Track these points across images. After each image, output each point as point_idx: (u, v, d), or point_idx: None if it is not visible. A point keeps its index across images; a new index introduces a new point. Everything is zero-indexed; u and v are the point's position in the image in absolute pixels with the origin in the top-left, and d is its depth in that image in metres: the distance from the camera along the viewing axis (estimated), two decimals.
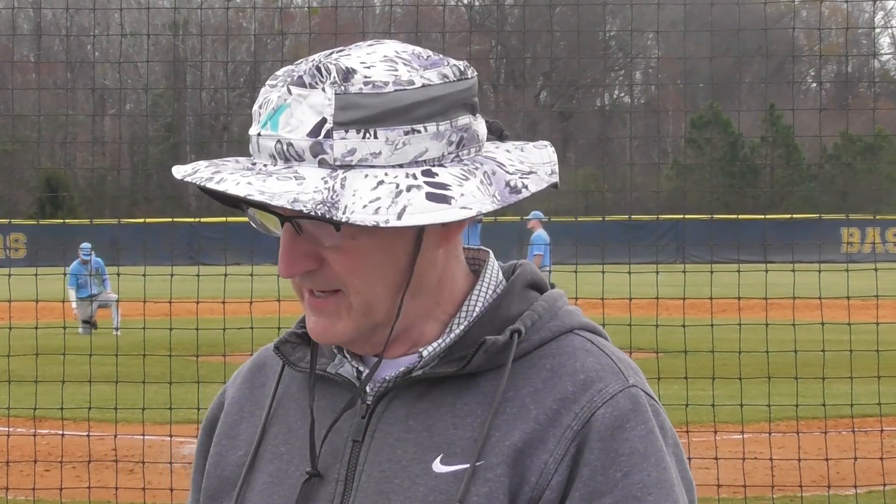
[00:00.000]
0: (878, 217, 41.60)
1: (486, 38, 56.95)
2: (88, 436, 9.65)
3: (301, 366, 1.83)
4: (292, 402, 1.85)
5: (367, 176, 1.64)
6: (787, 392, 10.19)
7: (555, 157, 1.82)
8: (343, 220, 1.60)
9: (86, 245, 24.50)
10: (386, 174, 1.64)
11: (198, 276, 9.13)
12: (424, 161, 1.67)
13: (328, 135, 1.64)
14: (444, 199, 1.65)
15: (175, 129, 60.15)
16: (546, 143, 1.83)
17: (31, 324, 10.05)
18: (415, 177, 1.65)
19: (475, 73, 1.74)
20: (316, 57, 1.71)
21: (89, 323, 22.37)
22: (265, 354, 1.95)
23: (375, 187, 1.63)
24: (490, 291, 1.81)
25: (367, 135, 1.64)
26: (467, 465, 1.70)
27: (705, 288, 9.82)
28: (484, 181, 1.69)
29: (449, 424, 1.73)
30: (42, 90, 12.66)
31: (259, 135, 1.67)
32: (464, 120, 1.71)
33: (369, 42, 1.72)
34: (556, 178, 1.78)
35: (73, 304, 22.96)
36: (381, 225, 1.61)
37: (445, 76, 1.69)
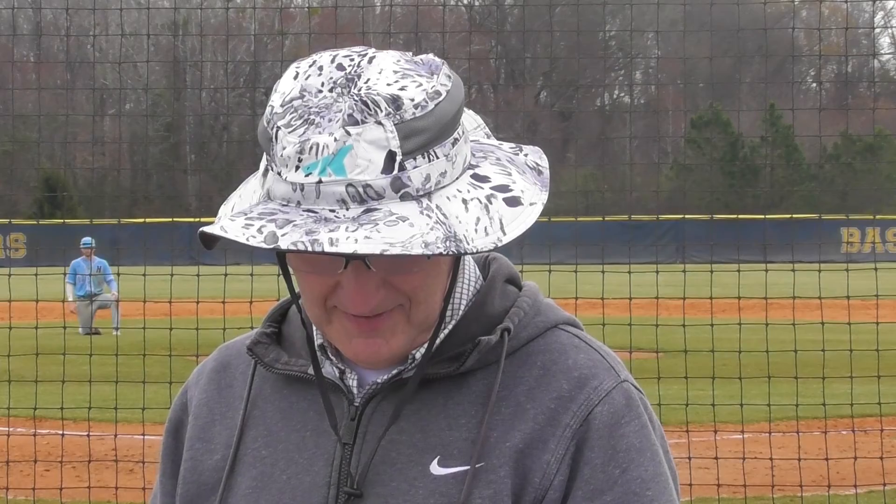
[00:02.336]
0: (878, 217, 41.59)
1: (486, 38, 56.92)
2: (88, 436, 9.65)
3: (278, 367, 1.80)
4: (268, 403, 1.83)
5: (449, 199, 1.62)
6: (787, 392, 10.19)
7: (479, 118, 1.83)
8: (473, 250, 1.58)
9: (87, 239, 24.43)
10: (458, 191, 1.63)
11: (198, 276, 9.13)
12: (467, 166, 1.67)
13: (402, 167, 1.60)
14: (517, 201, 1.66)
15: (175, 129, 60.18)
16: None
17: (31, 324, 10.05)
18: (479, 186, 1.65)
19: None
20: (313, 85, 1.63)
21: (91, 333, 22.34)
22: (227, 354, 1.92)
23: (467, 209, 1.62)
24: (471, 287, 1.80)
25: (431, 157, 1.62)
26: (466, 467, 1.69)
27: (705, 288, 9.82)
28: (518, 171, 1.71)
29: (443, 425, 1.72)
30: (42, 90, 12.65)
31: (321, 182, 1.59)
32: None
33: (355, 55, 1.66)
34: (532, 146, 1.79)
35: (70, 300, 22.95)
36: (499, 244, 1.61)
37: (448, 76, 1.67)
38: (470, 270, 1.81)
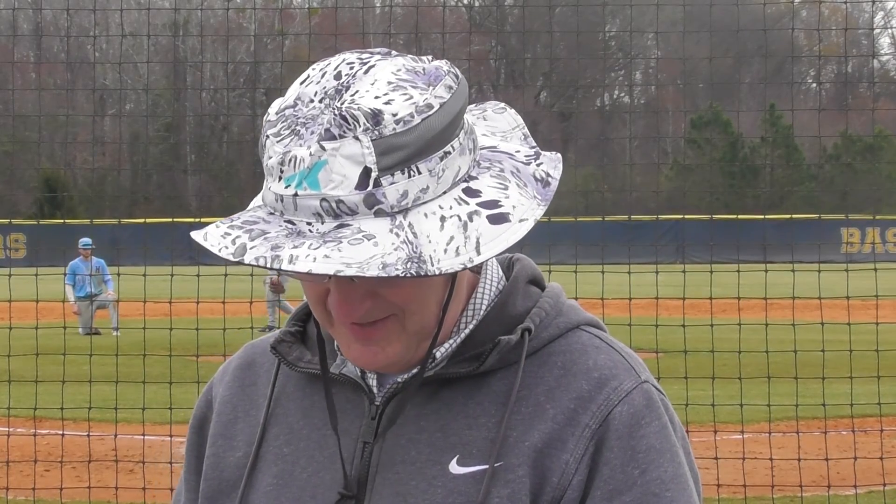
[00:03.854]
0: (878, 217, 41.65)
1: (486, 38, 57.00)
2: (88, 436, 9.65)
3: (300, 366, 1.82)
4: (291, 401, 1.84)
5: (426, 216, 1.61)
6: (787, 392, 10.19)
7: (519, 118, 1.81)
8: (436, 272, 1.57)
9: (86, 240, 24.41)
10: (440, 206, 1.62)
11: (198, 276, 9.13)
12: (461, 179, 1.66)
13: (377, 183, 1.59)
14: (504, 218, 1.64)
15: (175, 129, 60.21)
16: (502, 104, 1.82)
17: (31, 324, 10.06)
18: (465, 202, 1.63)
19: (455, 67, 1.71)
20: (308, 93, 1.63)
21: (91, 333, 22.34)
22: (252, 352, 1.94)
23: (442, 227, 1.60)
24: (493, 288, 1.80)
25: (412, 172, 1.60)
26: (485, 466, 1.70)
27: (705, 288, 9.82)
28: (519, 184, 1.69)
29: (463, 425, 1.73)
30: (42, 90, 12.65)
31: (297, 195, 1.60)
32: (467, 122, 1.70)
33: (356, 62, 1.66)
34: (554, 153, 1.77)
35: (72, 301, 22.95)
36: (468, 265, 1.59)
37: (450, 87, 1.65)
38: (493, 271, 1.82)
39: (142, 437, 9.62)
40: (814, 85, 55.79)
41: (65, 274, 21.58)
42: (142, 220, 21.52)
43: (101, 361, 10.90)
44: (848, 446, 9.93)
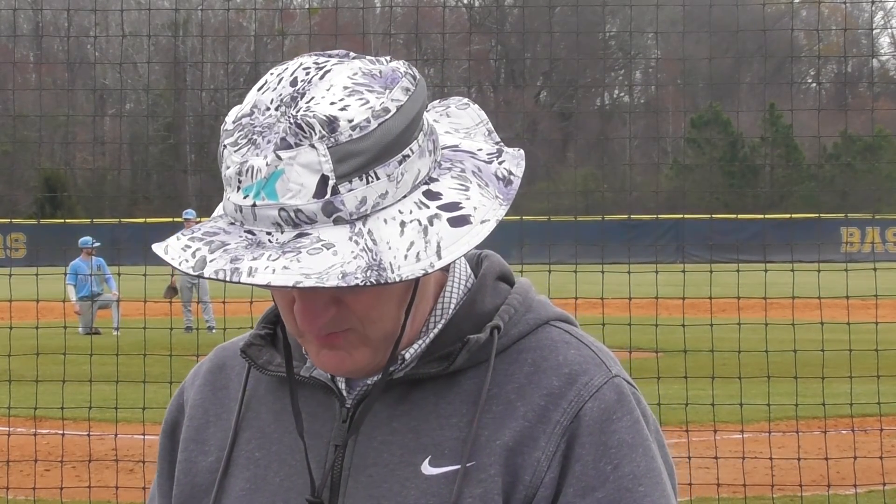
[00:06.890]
0: (877, 217, 41.64)
1: (486, 38, 57.02)
2: (89, 435, 9.66)
3: (270, 369, 1.80)
4: (262, 404, 1.83)
5: (386, 221, 1.59)
6: (786, 392, 10.20)
7: (483, 113, 1.80)
8: (396, 279, 1.56)
9: (86, 238, 24.37)
10: (400, 212, 1.60)
11: (198, 275, 9.13)
12: (421, 182, 1.64)
13: (335, 191, 1.57)
14: (465, 220, 1.62)
15: (175, 129, 60.19)
16: (465, 100, 1.81)
17: (31, 324, 10.06)
18: (425, 205, 1.62)
19: (413, 68, 1.69)
20: (264, 101, 1.62)
21: (91, 333, 22.33)
22: (223, 355, 1.92)
23: (402, 232, 1.59)
24: (462, 286, 1.79)
25: (370, 178, 1.59)
26: (457, 467, 1.69)
27: (705, 288, 9.82)
28: (480, 184, 1.67)
29: (434, 425, 1.72)
30: (42, 90, 12.65)
31: (255, 205, 1.59)
32: (427, 122, 1.68)
33: (312, 68, 1.64)
34: (516, 150, 1.75)
35: (74, 301, 22.95)
36: (429, 270, 1.58)
37: (407, 89, 1.63)
38: (461, 269, 1.80)
39: (142, 436, 9.62)
40: (813, 85, 55.82)
41: (65, 274, 21.57)
42: (142, 220, 21.50)
43: (101, 361, 10.91)
44: (848, 446, 9.94)
